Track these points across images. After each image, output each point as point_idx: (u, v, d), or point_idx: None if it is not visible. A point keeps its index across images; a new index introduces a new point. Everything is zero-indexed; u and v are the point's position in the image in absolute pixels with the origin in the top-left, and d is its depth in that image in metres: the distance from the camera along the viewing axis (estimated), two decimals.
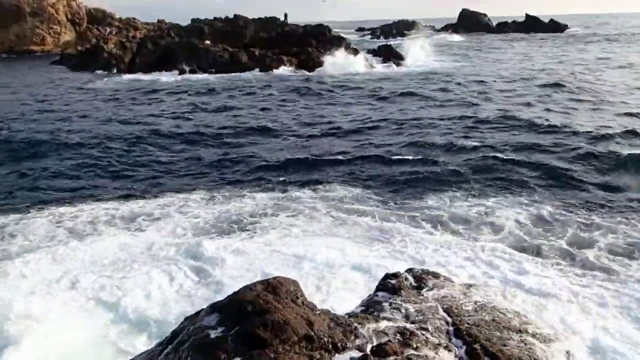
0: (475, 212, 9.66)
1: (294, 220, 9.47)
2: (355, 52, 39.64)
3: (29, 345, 5.47)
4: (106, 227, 9.21)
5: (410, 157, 13.47)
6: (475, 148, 13.96)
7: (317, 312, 4.00)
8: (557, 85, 23.71)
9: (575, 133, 14.92)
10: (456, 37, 72.57)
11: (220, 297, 6.27)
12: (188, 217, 9.61)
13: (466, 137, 15.08)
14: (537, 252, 8.16)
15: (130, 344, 5.66)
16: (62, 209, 10.07)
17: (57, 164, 13.63)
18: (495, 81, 26.26)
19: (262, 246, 8.31)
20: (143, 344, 5.54)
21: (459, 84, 26.01)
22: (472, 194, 10.68)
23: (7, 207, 10.30)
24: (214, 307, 4.02)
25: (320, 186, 11.35)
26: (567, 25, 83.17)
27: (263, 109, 21.22)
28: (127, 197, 10.84)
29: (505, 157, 12.96)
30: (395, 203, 10.33)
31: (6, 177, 12.46)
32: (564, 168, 12.03)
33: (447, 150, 13.99)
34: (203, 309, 4.16)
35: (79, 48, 49.36)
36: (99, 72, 37.57)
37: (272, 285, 4.16)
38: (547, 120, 16.72)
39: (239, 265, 7.64)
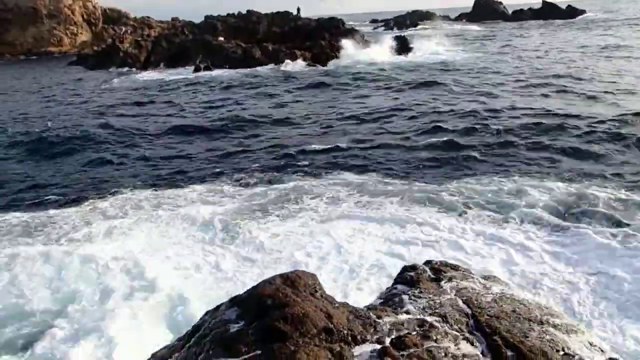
0: (506, 194, 9.57)
1: (319, 203, 9.55)
2: (367, 43, 39.37)
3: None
4: (137, 214, 9.41)
5: (430, 142, 13.52)
6: (495, 133, 13.96)
7: (336, 305, 4.02)
8: (574, 75, 23.28)
9: (594, 119, 14.67)
10: (471, 27, 71.57)
11: (249, 280, 6.47)
12: (215, 206, 9.79)
13: (485, 124, 15.01)
14: (576, 230, 8.06)
15: (172, 326, 5.77)
16: (95, 200, 10.43)
17: (85, 158, 14.13)
18: (511, 72, 25.89)
19: (288, 231, 8.39)
20: (183, 324, 5.64)
21: (474, 74, 25.70)
22: (499, 176, 10.64)
23: (45, 199, 10.72)
24: (234, 301, 4.07)
25: (342, 172, 11.43)
26: (584, 11, 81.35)
27: (280, 102, 21.30)
28: (154, 186, 11.14)
29: (526, 141, 13.04)
30: (420, 186, 10.31)
31: (38, 173, 12.93)
32: (586, 150, 12.01)
33: (467, 135, 13.95)
34: (223, 303, 4.22)
35: (95, 48, 50.00)
36: (115, 71, 38.05)
37: (291, 279, 4.19)
38: (563, 109, 16.46)
39: (268, 250, 7.75)
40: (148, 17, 66.60)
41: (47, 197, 10.88)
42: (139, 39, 46.39)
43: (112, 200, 10.40)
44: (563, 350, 3.65)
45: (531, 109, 16.72)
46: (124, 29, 58.19)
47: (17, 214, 9.78)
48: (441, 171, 11.31)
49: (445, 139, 13.74)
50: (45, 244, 8.23)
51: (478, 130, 14.48)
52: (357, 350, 3.51)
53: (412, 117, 16.94)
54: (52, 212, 9.90)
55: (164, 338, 5.42)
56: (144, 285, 6.73)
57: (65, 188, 11.60)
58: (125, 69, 38.79)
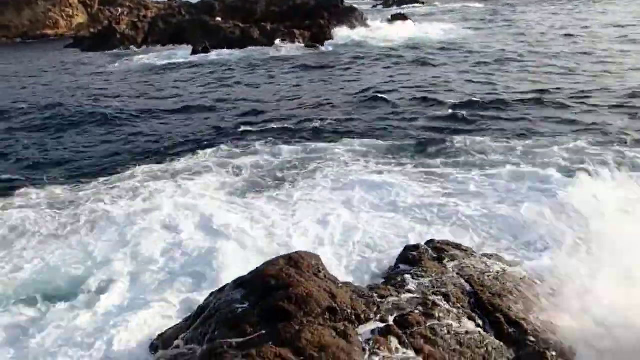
0: (517, 155, 9.85)
1: (328, 169, 9.68)
2: (365, 22, 38.84)
3: None
4: (158, 184, 9.54)
5: (435, 115, 13.54)
6: (496, 108, 14.05)
7: (339, 284, 4.07)
8: (575, 54, 23.02)
9: (598, 96, 14.61)
10: (473, 4, 70.52)
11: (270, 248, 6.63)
12: (229, 174, 9.94)
13: (486, 98, 15.03)
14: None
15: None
16: (112, 174, 10.61)
17: (95, 137, 14.32)
18: (515, 49, 25.63)
19: (300, 198, 8.50)
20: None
21: (474, 52, 25.44)
22: (508, 139, 10.83)
23: (62, 176, 10.90)
24: (239, 282, 4.12)
25: (349, 140, 11.55)
26: None
27: (282, 82, 21.14)
28: (169, 159, 11.35)
29: (526, 113, 13.19)
30: (432, 150, 10.53)
31: (51, 152, 13.17)
32: (588, 120, 12.24)
33: (470, 109, 13.93)
34: (227, 284, 4.27)
35: (92, 30, 49.40)
36: (113, 53, 37.63)
37: (295, 260, 4.24)
38: (567, 86, 16.35)
39: (282, 217, 7.86)
40: None
41: (63, 175, 11.05)
42: (136, 20, 45.80)
43: (129, 173, 10.55)
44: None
45: (532, 87, 16.62)
46: (120, 10, 57.35)
47: (42, 191, 9.92)
48: (450, 137, 11.36)
49: (449, 112, 13.73)
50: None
51: (480, 104, 14.47)
52: (361, 329, 3.57)
53: (413, 93, 16.85)
54: (75, 186, 10.08)
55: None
56: (185, 244, 6.98)
57: (79, 163, 11.86)
58: (123, 50, 38.40)
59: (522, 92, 16.00)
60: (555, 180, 8.50)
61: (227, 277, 5.29)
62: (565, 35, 29.36)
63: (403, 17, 40.35)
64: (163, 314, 5.36)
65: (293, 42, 33.67)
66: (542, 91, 15.91)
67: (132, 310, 5.47)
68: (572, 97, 14.86)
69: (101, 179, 10.49)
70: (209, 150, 11.82)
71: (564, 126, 12.05)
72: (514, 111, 13.73)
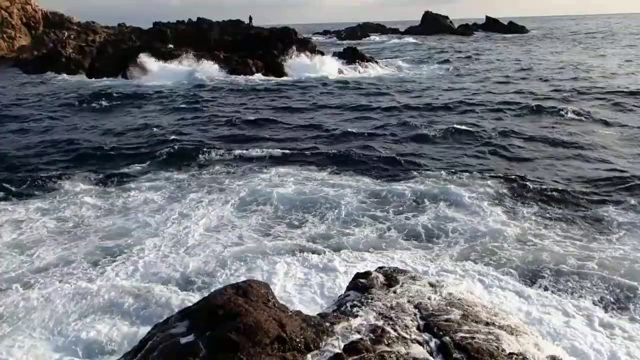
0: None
1: None
2: (322, 53, 39.58)
3: None
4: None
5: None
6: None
7: (289, 313, 4.00)
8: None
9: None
10: (421, 40, 73.83)
11: None
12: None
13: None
14: None
15: None
16: None
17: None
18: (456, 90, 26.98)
19: None
20: None
21: (427, 87, 26.50)
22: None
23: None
24: (184, 313, 3.97)
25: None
26: (524, 27, 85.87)
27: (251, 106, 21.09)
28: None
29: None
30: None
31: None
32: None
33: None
34: (173, 315, 4.10)
35: (36, 53, 47.70)
36: (59, 76, 36.30)
37: (243, 289, 4.14)
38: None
39: None
40: (93, 22, 64.24)
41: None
42: (83, 44, 44.71)
43: None
44: (508, 350, 3.80)
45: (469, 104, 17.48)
46: (66, 33, 55.85)
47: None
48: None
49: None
50: None
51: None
52: (310, 358, 3.50)
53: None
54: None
55: None
56: None
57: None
58: (69, 74, 37.12)
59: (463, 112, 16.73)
60: None
61: None
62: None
63: (355, 50, 41.42)
64: None
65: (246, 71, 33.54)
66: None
67: None
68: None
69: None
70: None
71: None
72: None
